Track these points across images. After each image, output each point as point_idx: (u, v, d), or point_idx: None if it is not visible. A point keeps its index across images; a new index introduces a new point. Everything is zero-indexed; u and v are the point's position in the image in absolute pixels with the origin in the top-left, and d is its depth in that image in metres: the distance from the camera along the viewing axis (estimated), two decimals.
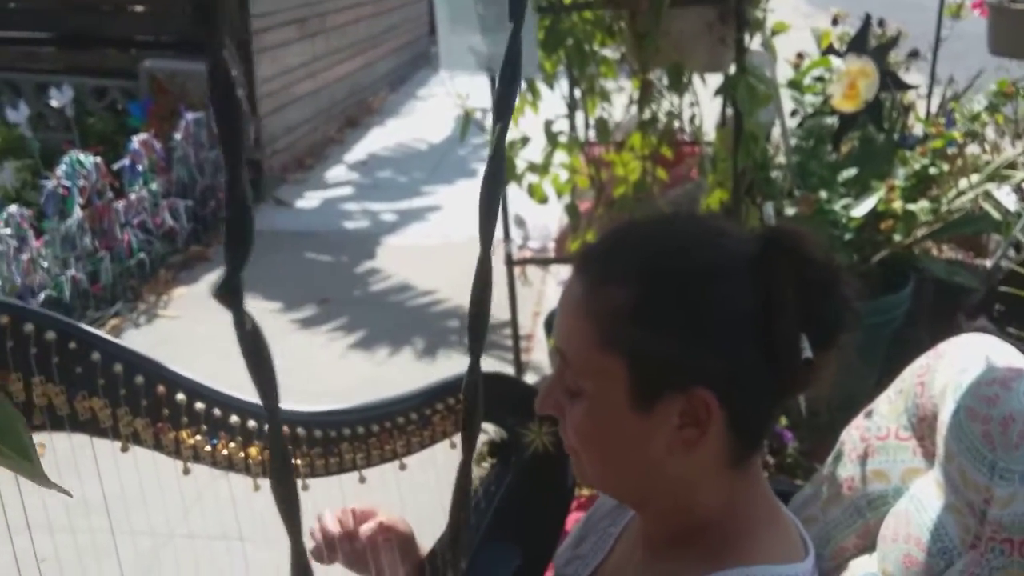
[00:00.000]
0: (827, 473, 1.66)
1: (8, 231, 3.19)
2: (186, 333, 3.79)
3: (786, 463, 2.27)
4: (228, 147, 0.19)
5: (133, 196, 3.94)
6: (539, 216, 2.03)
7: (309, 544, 1.21)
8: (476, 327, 0.22)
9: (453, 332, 3.78)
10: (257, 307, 4.04)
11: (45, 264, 3.43)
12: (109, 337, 1.07)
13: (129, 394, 1.05)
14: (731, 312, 0.82)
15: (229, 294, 0.20)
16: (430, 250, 4.64)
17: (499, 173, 0.24)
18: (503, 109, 0.24)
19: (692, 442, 0.82)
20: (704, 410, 0.81)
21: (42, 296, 3.42)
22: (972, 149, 2.86)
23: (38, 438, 2.67)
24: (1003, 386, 1.36)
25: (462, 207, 5.13)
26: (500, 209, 1.90)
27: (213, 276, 4.35)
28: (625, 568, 0.99)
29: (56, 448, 2.58)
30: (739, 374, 0.82)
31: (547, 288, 4.07)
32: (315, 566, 1.18)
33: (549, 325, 2.90)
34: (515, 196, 1.98)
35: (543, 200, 1.98)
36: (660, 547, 0.92)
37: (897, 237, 2.31)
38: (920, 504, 1.46)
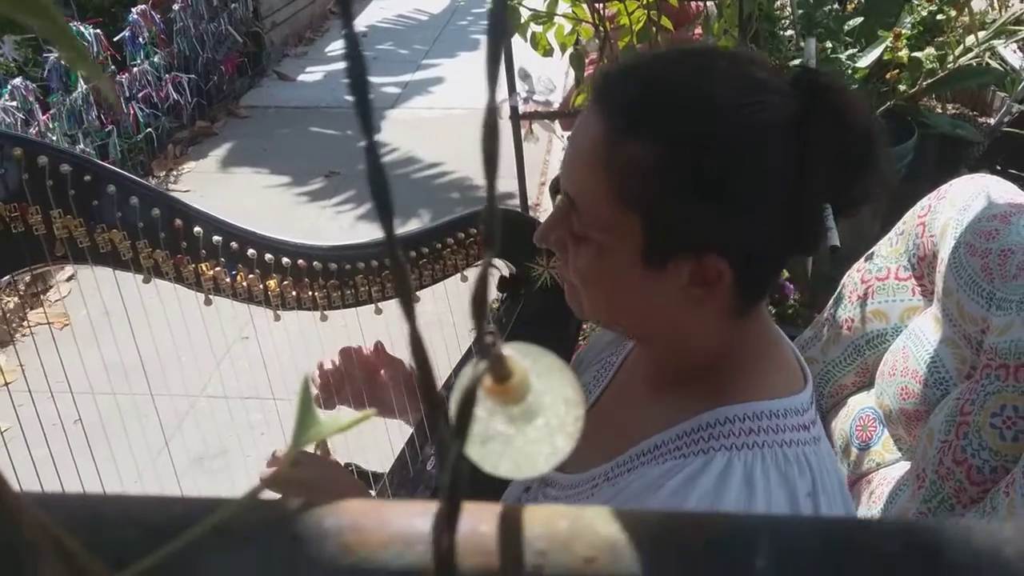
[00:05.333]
0: (827, 316, 1.70)
1: (14, 104, 3.17)
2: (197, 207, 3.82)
3: (787, 313, 2.31)
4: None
5: (136, 69, 3.90)
6: (543, 69, 2.01)
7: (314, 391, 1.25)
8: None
9: (458, 203, 3.80)
10: (264, 181, 4.07)
11: (54, 139, 3.43)
12: (123, 172, 1.08)
13: (147, 227, 1.07)
14: (760, 182, 0.76)
15: None
16: (433, 122, 4.61)
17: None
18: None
19: (697, 299, 0.81)
20: (715, 274, 0.79)
21: None
22: (979, 5, 2.80)
23: (59, 309, 2.72)
24: (1003, 221, 1.38)
25: (464, 79, 5.06)
26: (504, 62, 1.87)
27: (221, 151, 4.34)
28: (627, 400, 0.99)
29: (91, 312, 2.64)
30: (757, 242, 0.79)
31: (552, 158, 4.07)
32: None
33: (555, 191, 2.91)
34: (519, 48, 1.97)
35: (547, 52, 1.96)
36: (661, 385, 0.92)
37: (902, 87, 2.29)
38: (918, 339, 1.50)
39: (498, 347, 0.19)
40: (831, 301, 1.69)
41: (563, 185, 0.84)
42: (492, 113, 0.17)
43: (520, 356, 0.22)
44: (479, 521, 0.19)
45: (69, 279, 3.24)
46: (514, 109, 1.87)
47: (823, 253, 2.48)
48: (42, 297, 3.20)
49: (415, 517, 0.19)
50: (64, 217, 1.03)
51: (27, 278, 3.11)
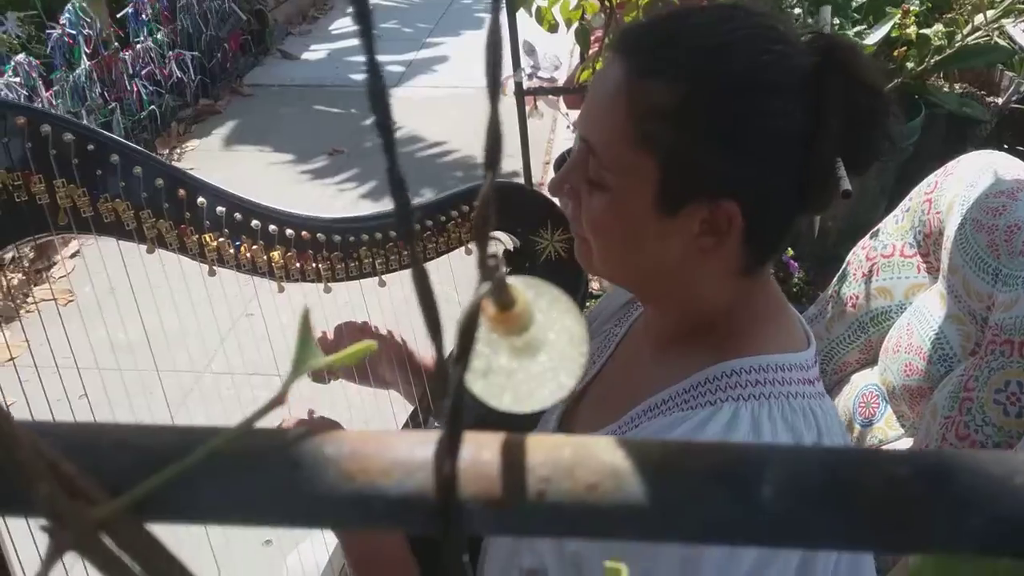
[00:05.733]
0: (832, 293, 1.69)
1: (17, 80, 3.16)
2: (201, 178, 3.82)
3: (792, 292, 2.30)
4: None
5: (139, 46, 3.89)
6: (548, 45, 1.99)
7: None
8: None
9: (462, 182, 3.78)
10: (268, 159, 4.06)
11: None
12: (126, 142, 1.08)
13: (150, 197, 1.07)
14: (775, 128, 0.78)
15: None
16: (437, 101, 4.59)
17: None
18: None
19: (707, 250, 0.82)
20: (726, 222, 0.80)
21: None
22: None
23: (64, 286, 2.71)
24: (1010, 197, 1.38)
25: (468, 58, 5.04)
26: (508, 38, 1.86)
27: (224, 130, 4.33)
28: (633, 365, 1.00)
29: (96, 289, 2.62)
30: (769, 191, 0.80)
31: (556, 137, 4.06)
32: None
33: (559, 167, 2.90)
34: (524, 23, 1.95)
35: (552, 27, 1.95)
36: (668, 343, 0.93)
37: (910, 64, 2.28)
38: (922, 316, 1.50)
39: (501, 271, 0.19)
40: (836, 278, 1.69)
41: (580, 131, 0.85)
42: (495, 23, 0.16)
43: (523, 287, 0.21)
44: (481, 448, 0.19)
45: (73, 256, 3.24)
46: (518, 85, 1.86)
47: (829, 228, 2.48)
48: (46, 274, 3.20)
49: (416, 445, 0.19)
50: (67, 186, 1.03)
51: (31, 255, 3.11)
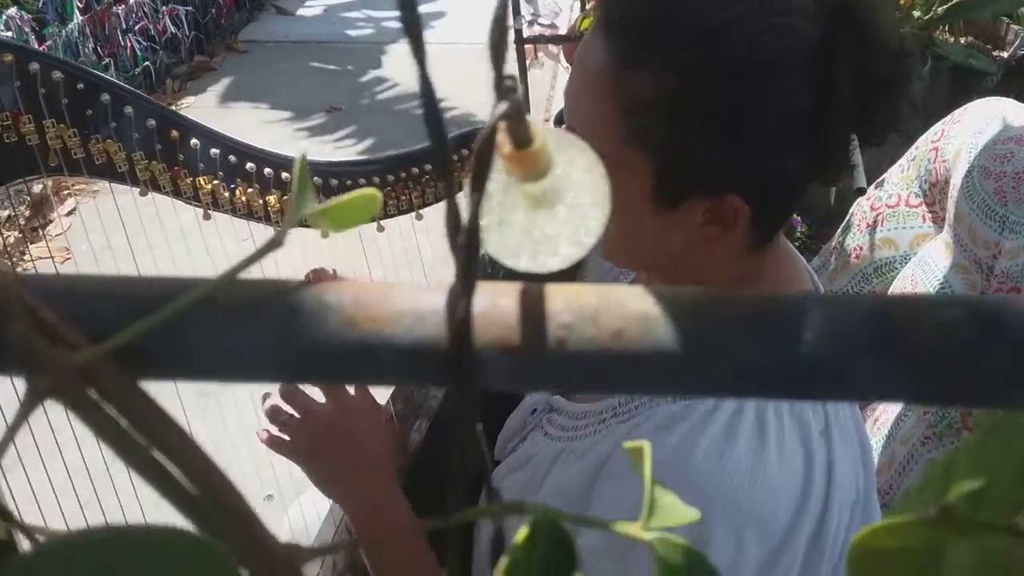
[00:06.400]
0: (836, 244, 1.68)
1: (9, 34, 3.12)
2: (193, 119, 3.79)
3: (795, 247, 2.29)
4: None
5: (132, 1, 3.84)
6: None
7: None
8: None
9: None
10: (265, 116, 4.02)
11: None
12: (117, 81, 1.06)
13: (142, 138, 1.04)
14: (780, 114, 0.70)
15: None
16: (435, 57, 4.49)
17: None
18: None
19: (712, 238, 0.77)
20: (732, 214, 0.74)
21: None
22: None
23: (61, 243, 2.72)
24: (1018, 143, 1.36)
25: (466, 12, 4.98)
26: None
27: (220, 87, 4.29)
28: None
29: (93, 246, 2.62)
30: (776, 176, 0.74)
31: (556, 93, 4.01)
32: None
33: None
34: None
35: None
36: None
37: (916, 13, 2.25)
38: (927, 266, 1.49)
39: (519, 92, 0.17)
40: (839, 230, 1.67)
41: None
42: None
43: (544, 132, 0.19)
44: (498, 295, 0.17)
45: (69, 213, 3.21)
46: (518, 32, 1.82)
47: (842, 187, 2.45)
48: (42, 231, 3.18)
49: (427, 292, 0.17)
50: (57, 127, 1.01)
51: (27, 212, 3.08)
